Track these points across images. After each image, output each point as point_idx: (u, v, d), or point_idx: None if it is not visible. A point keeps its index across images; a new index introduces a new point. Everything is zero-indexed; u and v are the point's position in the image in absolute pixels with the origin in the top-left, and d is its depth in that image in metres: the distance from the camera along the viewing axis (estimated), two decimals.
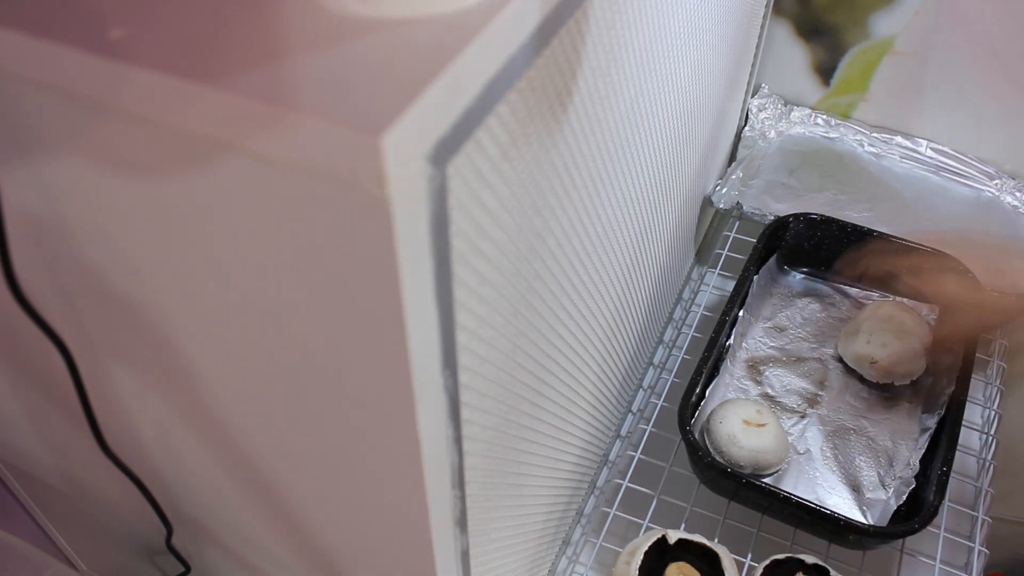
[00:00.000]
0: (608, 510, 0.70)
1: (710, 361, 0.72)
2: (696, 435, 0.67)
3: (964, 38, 0.86)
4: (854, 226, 0.81)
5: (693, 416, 0.68)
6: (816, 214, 0.82)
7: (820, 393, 0.76)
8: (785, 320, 0.82)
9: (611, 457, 0.78)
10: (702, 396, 0.72)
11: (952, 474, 0.70)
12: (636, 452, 0.73)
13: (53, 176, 0.35)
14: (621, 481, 0.71)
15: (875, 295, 0.83)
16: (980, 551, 0.68)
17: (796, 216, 0.83)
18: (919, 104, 0.92)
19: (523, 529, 0.58)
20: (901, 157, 0.95)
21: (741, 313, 0.78)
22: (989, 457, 0.73)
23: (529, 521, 0.59)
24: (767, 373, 0.77)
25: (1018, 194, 0.90)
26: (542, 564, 0.69)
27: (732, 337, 0.77)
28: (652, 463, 0.72)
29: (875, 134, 0.95)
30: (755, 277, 0.79)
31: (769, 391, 0.76)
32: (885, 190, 0.91)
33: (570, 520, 0.73)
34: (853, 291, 0.84)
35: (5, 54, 0.30)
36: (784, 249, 0.84)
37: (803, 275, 0.85)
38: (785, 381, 0.77)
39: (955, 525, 0.70)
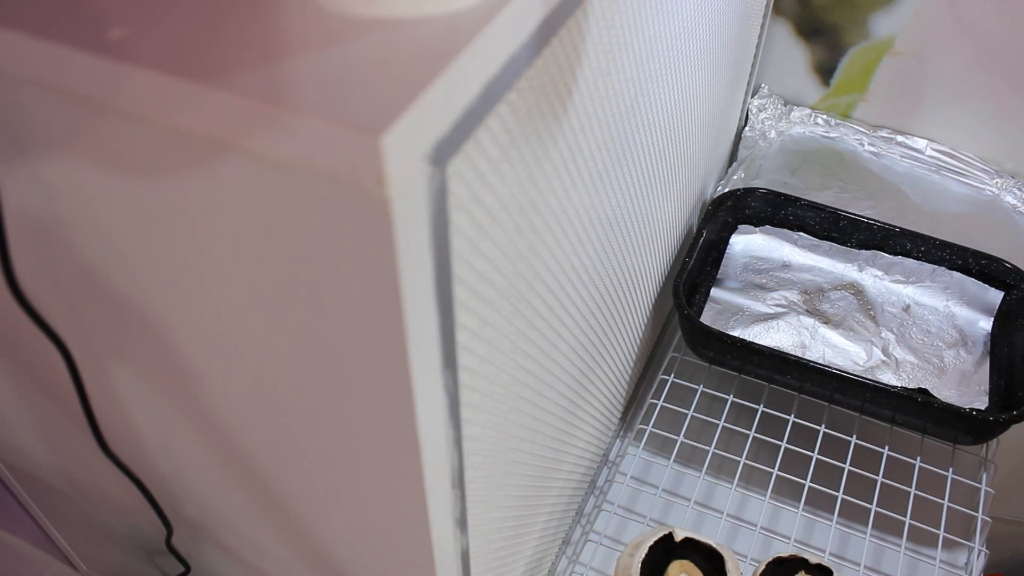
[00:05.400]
0: (608, 510, 0.70)
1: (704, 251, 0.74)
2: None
3: (964, 38, 0.86)
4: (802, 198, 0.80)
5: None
6: (763, 188, 0.81)
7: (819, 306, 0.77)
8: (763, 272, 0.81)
9: (611, 456, 0.78)
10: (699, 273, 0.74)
11: (952, 475, 0.71)
12: (637, 451, 0.73)
13: (53, 176, 0.35)
14: (621, 481, 0.71)
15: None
16: (980, 551, 0.67)
17: (747, 190, 0.81)
18: (919, 104, 0.92)
19: (523, 529, 0.58)
20: (901, 157, 0.94)
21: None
22: (989, 457, 0.73)
23: (529, 521, 0.59)
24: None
25: (1018, 193, 0.90)
26: (542, 564, 0.69)
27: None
28: (652, 462, 0.72)
29: (875, 134, 0.95)
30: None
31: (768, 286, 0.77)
32: (888, 188, 0.91)
33: (570, 520, 0.73)
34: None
35: (5, 54, 0.30)
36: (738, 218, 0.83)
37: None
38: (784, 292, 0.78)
39: (955, 525, 0.70)
